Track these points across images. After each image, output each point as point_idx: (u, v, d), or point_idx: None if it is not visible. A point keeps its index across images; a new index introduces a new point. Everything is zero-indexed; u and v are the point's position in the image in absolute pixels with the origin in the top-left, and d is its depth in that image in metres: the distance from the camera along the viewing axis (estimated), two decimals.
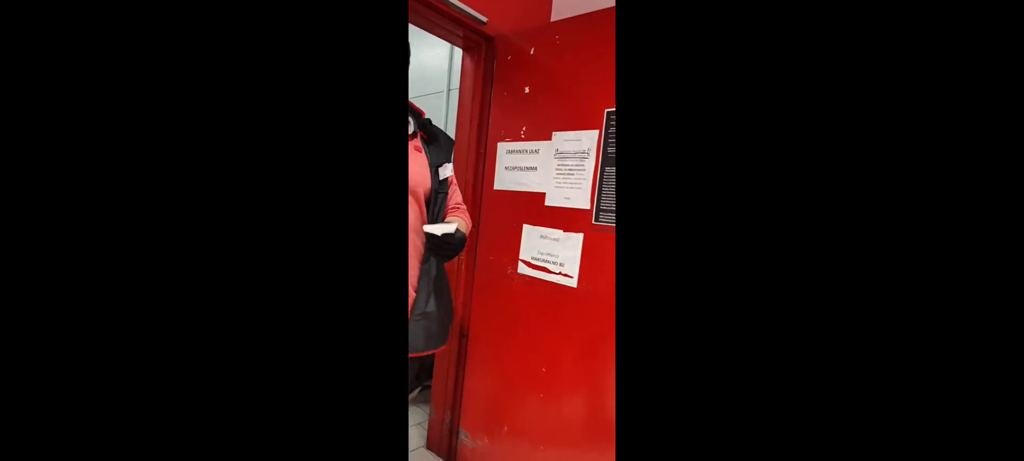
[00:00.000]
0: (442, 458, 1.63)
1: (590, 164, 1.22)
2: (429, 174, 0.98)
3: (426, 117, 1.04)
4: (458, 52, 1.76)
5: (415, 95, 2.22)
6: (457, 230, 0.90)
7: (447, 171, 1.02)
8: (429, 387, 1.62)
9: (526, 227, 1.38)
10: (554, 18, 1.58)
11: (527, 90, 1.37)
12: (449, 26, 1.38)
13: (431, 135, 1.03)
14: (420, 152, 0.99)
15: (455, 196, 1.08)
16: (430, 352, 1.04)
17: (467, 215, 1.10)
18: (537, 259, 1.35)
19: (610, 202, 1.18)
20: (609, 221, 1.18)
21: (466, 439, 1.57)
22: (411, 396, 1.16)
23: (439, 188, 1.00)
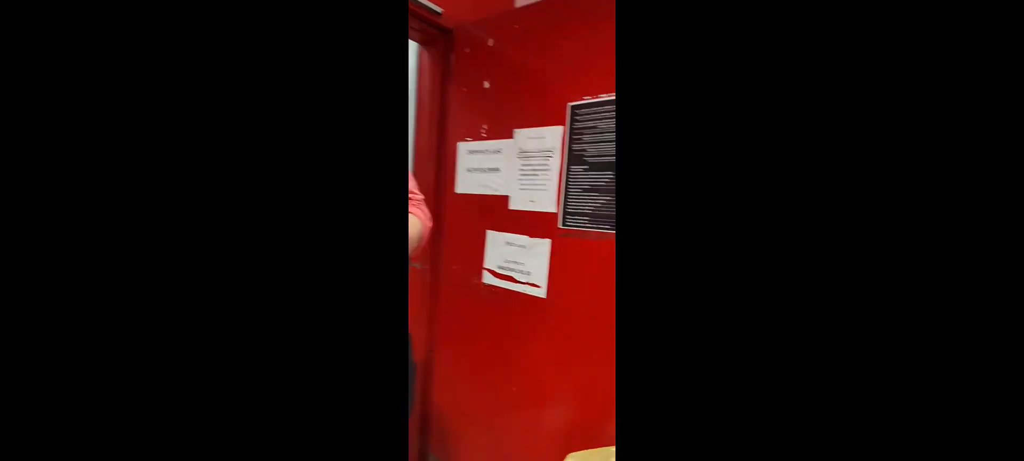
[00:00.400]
0: None
1: (555, 163, 1.12)
2: None
3: None
4: None
5: None
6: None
7: None
8: None
9: (490, 233, 1.27)
10: (520, 3, 1.47)
11: (487, 85, 1.27)
12: None
13: None
14: None
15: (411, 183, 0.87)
16: None
17: (424, 210, 0.88)
18: (503, 268, 1.24)
19: (577, 205, 1.07)
20: (576, 225, 1.08)
21: None
22: None
23: None
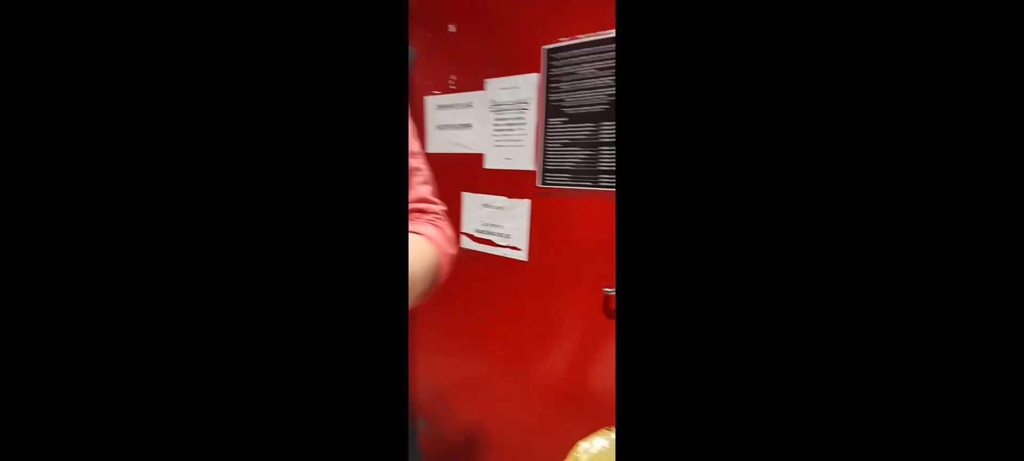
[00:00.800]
0: None
1: (531, 116, 1.02)
2: None
3: None
4: None
5: None
6: None
7: None
8: None
9: (466, 195, 1.19)
10: None
11: (452, 29, 1.13)
12: None
13: None
14: None
15: (420, 180, 0.53)
16: None
17: (443, 229, 0.53)
18: (481, 231, 1.17)
19: (556, 161, 0.99)
20: (556, 183, 1.00)
21: (424, 426, 1.45)
22: None
23: None
